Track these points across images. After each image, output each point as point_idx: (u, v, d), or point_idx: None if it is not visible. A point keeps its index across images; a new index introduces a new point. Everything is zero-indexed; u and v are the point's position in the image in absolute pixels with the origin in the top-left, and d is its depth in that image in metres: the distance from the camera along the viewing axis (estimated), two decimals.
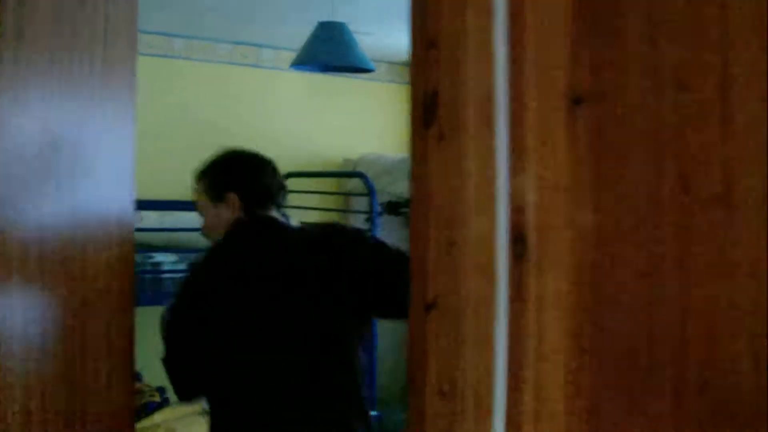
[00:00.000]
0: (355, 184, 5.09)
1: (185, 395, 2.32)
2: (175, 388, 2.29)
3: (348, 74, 5.16)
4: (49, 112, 1.32)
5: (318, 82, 5.18)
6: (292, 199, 4.74)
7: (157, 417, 3.59)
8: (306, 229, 2.43)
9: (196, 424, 3.47)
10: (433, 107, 1.11)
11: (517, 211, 1.04)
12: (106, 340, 1.47)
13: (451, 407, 1.07)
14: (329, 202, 5.15)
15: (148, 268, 3.49)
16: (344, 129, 5.34)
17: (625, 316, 0.92)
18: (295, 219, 4.46)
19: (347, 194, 5.12)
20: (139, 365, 4.32)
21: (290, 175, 4.68)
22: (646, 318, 0.90)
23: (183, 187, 4.90)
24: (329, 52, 3.38)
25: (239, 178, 2.19)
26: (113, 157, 1.47)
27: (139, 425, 3.49)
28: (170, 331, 2.19)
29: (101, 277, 1.42)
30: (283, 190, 2.28)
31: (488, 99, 1.07)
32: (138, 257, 3.48)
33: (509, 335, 1.04)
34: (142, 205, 4.00)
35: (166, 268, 3.49)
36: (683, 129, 0.86)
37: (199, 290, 2.21)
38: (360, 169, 4.89)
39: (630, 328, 0.92)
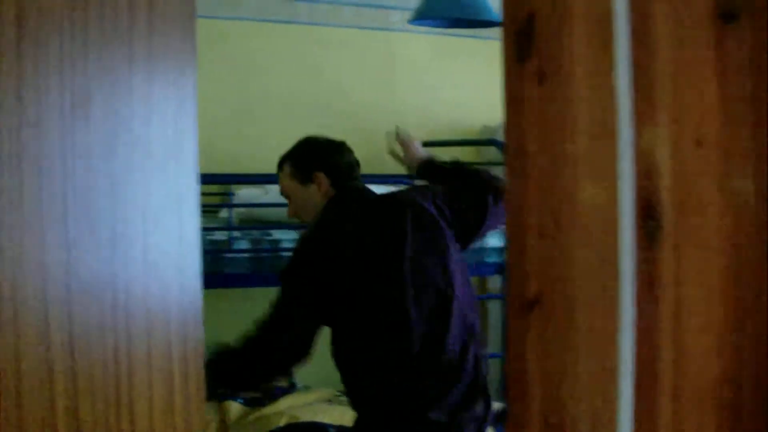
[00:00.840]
0: (494, 153, 4.78)
1: (274, 372, 2.40)
2: (270, 363, 2.28)
3: (484, 37, 4.84)
4: (73, 73, 1.11)
5: (452, 45, 4.90)
6: None
7: (282, 403, 3.45)
8: (396, 192, 2.74)
9: (322, 411, 3.31)
10: (528, 34, 0.84)
11: (646, 175, 0.76)
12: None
13: None
14: None
15: (266, 246, 3.33)
16: (483, 94, 5.03)
17: None
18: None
19: (486, 164, 4.81)
20: None
21: (423, 144, 4.42)
22: None
23: None
24: (450, 4, 3.10)
25: (323, 158, 2.41)
26: (164, 132, 1.26)
27: (262, 412, 3.37)
28: (295, 304, 2.24)
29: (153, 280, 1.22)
30: (358, 165, 2.52)
31: (604, 20, 0.79)
32: (256, 234, 3.33)
33: (638, 348, 0.77)
34: (267, 179, 3.85)
35: (285, 246, 3.31)
36: None
37: (333, 262, 2.24)
38: (500, 137, 4.57)
39: None
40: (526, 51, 0.86)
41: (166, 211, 1.29)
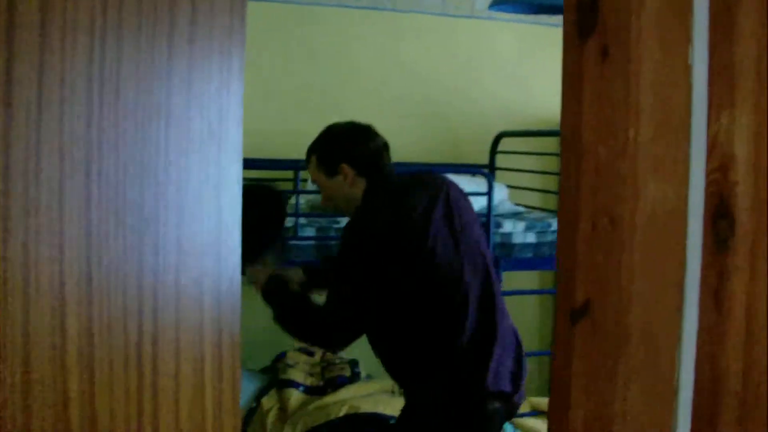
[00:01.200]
0: None
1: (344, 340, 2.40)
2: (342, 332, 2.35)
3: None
4: (103, 50, 1.04)
5: (536, 34, 4.75)
6: (505, 160, 4.39)
7: (344, 393, 3.37)
8: (428, 171, 2.72)
9: (383, 402, 3.22)
10: (592, 5, 0.73)
11: (720, 167, 0.65)
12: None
13: None
14: (546, 163, 4.72)
15: (332, 234, 3.24)
16: None
17: None
18: (505, 182, 4.10)
19: None
20: None
21: (503, 134, 4.30)
22: None
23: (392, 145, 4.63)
24: None
25: (347, 149, 2.40)
26: (204, 115, 1.18)
27: (323, 401, 3.29)
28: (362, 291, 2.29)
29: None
30: (386, 148, 2.45)
31: None
32: (323, 222, 3.25)
33: (699, 368, 0.65)
34: None
35: None
36: None
37: (386, 245, 2.28)
38: None
39: None
40: (590, 24, 0.75)
41: (204, 197, 1.20)
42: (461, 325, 2.25)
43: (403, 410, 2.37)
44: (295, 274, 2.56)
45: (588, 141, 0.74)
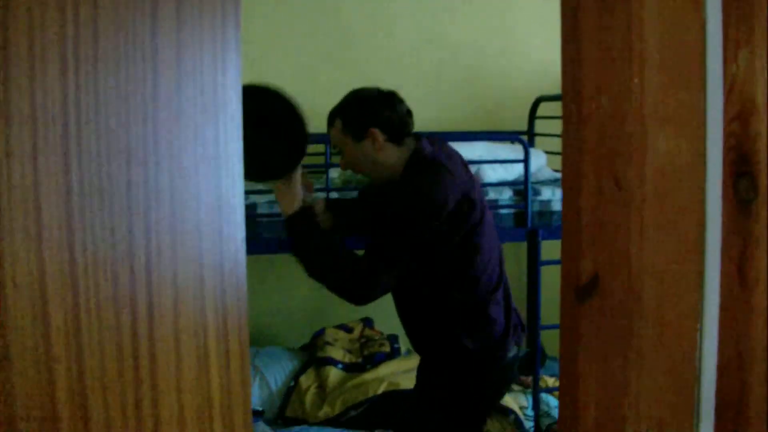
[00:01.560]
0: None
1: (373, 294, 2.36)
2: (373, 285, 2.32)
3: None
4: (76, 17, 0.97)
5: None
6: (543, 126, 4.27)
7: (382, 369, 3.31)
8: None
9: None
10: None
11: (738, 116, 0.56)
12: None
13: None
14: None
15: None
16: None
17: None
18: (543, 147, 3.99)
19: None
20: (371, 311, 4.08)
21: (542, 99, 4.18)
22: None
23: (422, 118, 4.51)
24: None
25: (376, 113, 2.38)
26: (197, 87, 1.09)
27: (362, 378, 3.23)
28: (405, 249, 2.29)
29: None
30: (410, 114, 2.44)
31: None
32: (354, 196, 3.18)
33: (722, 348, 0.56)
34: None
35: None
36: None
37: (443, 211, 2.27)
38: None
39: None
40: None
41: (201, 174, 1.12)
42: (501, 285, 2.32)
43: (429, 375, 2.34)
44: (318, 205, 2.51)
45: (588, 91, 0.65)
